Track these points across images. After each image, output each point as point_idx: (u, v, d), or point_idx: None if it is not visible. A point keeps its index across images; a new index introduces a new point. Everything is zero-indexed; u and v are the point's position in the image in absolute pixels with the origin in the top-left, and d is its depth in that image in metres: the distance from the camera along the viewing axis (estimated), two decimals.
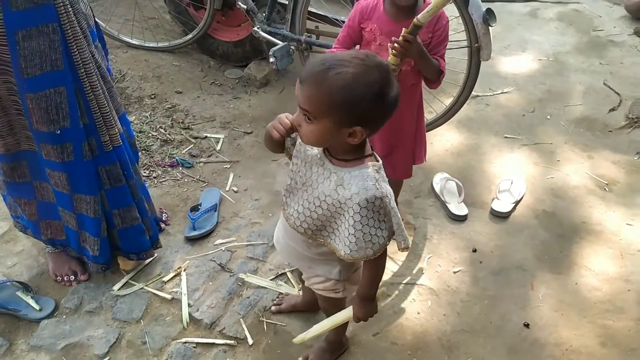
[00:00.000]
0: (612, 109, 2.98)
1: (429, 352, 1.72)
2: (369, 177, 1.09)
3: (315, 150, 1.17)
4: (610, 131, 2.81)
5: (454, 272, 1.99)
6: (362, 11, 1.69)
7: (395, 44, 1.50)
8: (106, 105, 1.57)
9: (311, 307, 1.76)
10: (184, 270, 1.91)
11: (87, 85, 1.50)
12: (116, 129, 1.62)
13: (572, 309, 1.87)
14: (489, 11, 2.05)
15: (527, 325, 1.80)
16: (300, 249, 1.33)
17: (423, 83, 1.80)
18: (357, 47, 1.79)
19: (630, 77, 3.28)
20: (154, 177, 2.32)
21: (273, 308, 1.79)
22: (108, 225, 1.75)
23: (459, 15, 2.14)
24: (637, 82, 3.23)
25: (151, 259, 1.94)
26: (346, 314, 1.37)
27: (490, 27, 2.06)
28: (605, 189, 2.40)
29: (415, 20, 1.47)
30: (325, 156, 1.16)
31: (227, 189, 2.32)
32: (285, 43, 2.58)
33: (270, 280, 1.91)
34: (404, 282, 1.94)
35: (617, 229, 2.18)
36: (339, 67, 0.97)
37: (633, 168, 2.53)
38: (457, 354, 1.71)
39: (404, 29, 1.50)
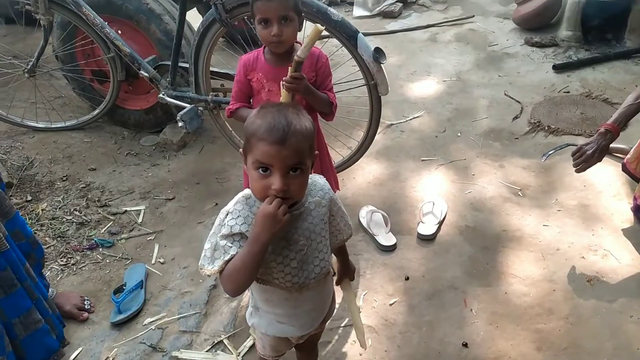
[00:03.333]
0: (516, 117, 3.17)
1: None
2: (314, 178, 1.25)
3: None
4: (517, 138, 2.98)
5: (390, 305, 2.00)
6: (245, 65, 1.81)
7: (286, 83, 1.62)
8: None
9: None
10: None
11: None
12: (0, 233, 1.54)
13: (506, 319, 1.92)
14: (378, 50, 2.14)
15: (465, 345, 1.83)
16: (322, 298, 1.35)
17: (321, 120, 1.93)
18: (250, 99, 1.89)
19: (527, 85, 3.53)
20: (72, 264, 2.21)
21: None
22: (10, 338, 1.62)
23: (351, 57, 2.22)
24: (534, 88, 3.47)
25: (78, 351, 1.83)
26: (351, 295, 1.55)
27: (382, 64, 2.15)
28: (519, 194, 2.53)
29: (296, 57, 1.59)
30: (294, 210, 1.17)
31: (152, 262, 2.25)
32: (193, 105, 2.58)
33: (206, 351, 1.85)
34: (343, 325, 1.93)
35: (535, 231, 2.29)
36: (291, 117, 1.07)
37: (541, 170, 2.68)
38: None
39: (289, 67, 1.61)
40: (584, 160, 2.08)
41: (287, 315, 1.30)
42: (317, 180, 1.27)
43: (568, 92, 3.40)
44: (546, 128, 3.01)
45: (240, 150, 1.16)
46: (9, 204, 1.64)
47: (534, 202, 2.47)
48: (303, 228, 1.19)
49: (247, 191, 1.19)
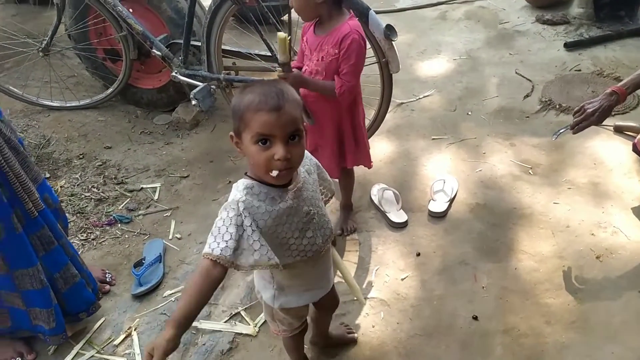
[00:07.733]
0: (527, 96, 3.17)
1: None
2: None
3: (290, 196, 1.20)
4: (528, 117, 2.98)
5: (402, 279, 2.05)
6: (303, 30, 1.97)
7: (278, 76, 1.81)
8: (22, 174, 1.59)
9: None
10: (135, 330, 1.88)
11: (0, 159, 1.50)
12: (36, 195, 1.63)
13: (515, 293, 1.96)
14: (389, 27, 2.15)
15: (475, 318, 1.88)
16: (329, 262, 1.44)
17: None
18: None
19: (538, 63, 3.51)
20: (93, 239, 2.27)
21: None
22: (54, 291, 1.73)
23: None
24: (545, 66, 3.45)
25: (100, 321, 1.92)
26: (337, 256, 1.52)
27: (393, 42, 2.16)
28: (530, 172, 2.55)
29: (279, 61, 1.79)
30: (290, 187, 1.21)
31: (170, 237, 2.31)
32: (205, 84, 2.61)
33: (224, 322, 1.91)
34: (355, 298, 1.98)
35: (545, 209, 2.32)
36: (282, 87, 1.12)
37: (552, 148, 2.70)
38: (414, 359, 1.76)
39: (279, 69, 1.82)
40: (583, 119, 1.95)
41: (315, 279, 1.39)
42: None
43: (579, 70, 3.38)
44: (557, 107, 3.01)
45: (231, 133, 1.15)
46: (37, 170, 1.72)
47: (544, 180, 2.49)
48: (308, 198, 1.24)
49: (245, 182, 1.16)
